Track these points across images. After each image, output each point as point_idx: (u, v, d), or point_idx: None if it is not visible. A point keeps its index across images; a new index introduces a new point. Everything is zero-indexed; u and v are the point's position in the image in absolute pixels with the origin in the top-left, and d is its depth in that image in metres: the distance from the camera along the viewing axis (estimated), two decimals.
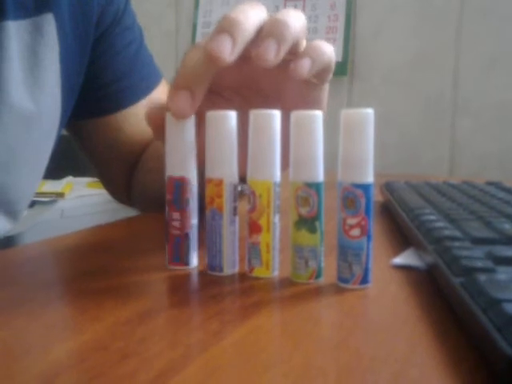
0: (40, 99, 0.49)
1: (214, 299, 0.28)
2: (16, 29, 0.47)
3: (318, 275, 0.31)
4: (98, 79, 0.57)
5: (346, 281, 0.30)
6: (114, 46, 0.57)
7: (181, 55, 1.33)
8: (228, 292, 0.29)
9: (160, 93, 0.62)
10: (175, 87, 0.32)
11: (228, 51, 0.30)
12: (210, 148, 0.32)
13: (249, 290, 0.30)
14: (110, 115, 0.59)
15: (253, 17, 0.33)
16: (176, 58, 1.47)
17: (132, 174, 0.62)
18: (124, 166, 0.62)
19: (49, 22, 0.49)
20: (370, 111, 0.29)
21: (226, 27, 0.31)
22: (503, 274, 0.24)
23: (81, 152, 0.64)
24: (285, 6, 1.35)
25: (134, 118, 0.60)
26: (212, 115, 0.32)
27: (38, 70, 0.49)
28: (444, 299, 0.27)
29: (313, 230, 0.31)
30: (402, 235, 0.42)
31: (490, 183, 0.58)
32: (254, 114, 0.31)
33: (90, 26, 0.54)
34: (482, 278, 0.24)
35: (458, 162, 1.22)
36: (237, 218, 0.32)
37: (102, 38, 0.56)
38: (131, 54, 0.59)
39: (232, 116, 0.32)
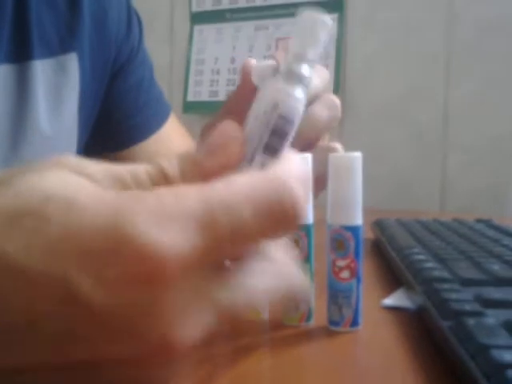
0: (59, 132, 0.50)
1: (202, 343, 0.27)
2: (41, 67, 0.48)
3: (309, 318, 0.31)
4: (111, 115, 0.58)
5: (336, 324, 0.30)
6: (128, 83, 0.59)
7: (175, 91, 1.33)
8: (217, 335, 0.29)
9: (170, 127, 0.63)
10: None
11: None
12: None
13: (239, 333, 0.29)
14: (120, 152, 0.60)
15: None
16: (170, 92, 1.49)
17: None
18: None
19: (72, 61, 0.51)
20: (357, 155, 0.29)
21: None
22: (491, 317, 0.25)
23: None
24: (277, 45, 1.38)
25: (143, 155, 0.61)
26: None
27: (59, 105, 0.50)
28: (434, 342, 0.27)
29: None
30: (392, 274, 0.42)
31: (479, 220, 0.59)
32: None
33: (108, 63, 0.56)
34: (471, 322, 0.24)
35: (449, 196, 1.23)
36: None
37: (117, 75, 0.57)
38: (144, 90, 0.60)
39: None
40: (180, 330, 0.18)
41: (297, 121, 0.22)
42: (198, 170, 0.21)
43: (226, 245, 0.18)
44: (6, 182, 0.19)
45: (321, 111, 0.38)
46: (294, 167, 0.20)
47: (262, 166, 0.21)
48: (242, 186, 0.19)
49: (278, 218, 0.19)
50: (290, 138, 0.22)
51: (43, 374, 0.18)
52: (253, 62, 0.37)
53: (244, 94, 0.36)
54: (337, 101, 0.39)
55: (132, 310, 0.17)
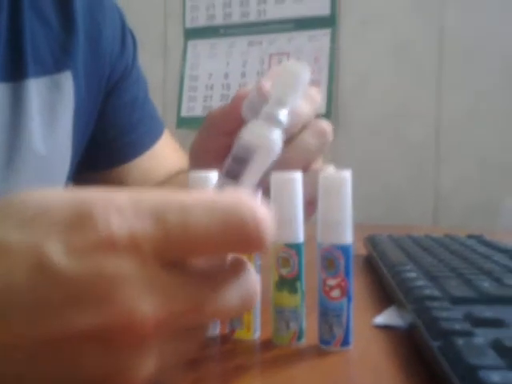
0: (53, 149, 0.50)
1: (193, 364, 0.27)
2: (36, 86, 0.49)
3: (300, 337, 0.31)
4: (107, 132, 0.59)
5: (327, 343, 0.30)
6: (122, 101, 0.59)
7: (168, 106, 1.35)
8: (208, 356, 0.29)
9: (163, 144, 0.63)
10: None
11: None
12: None
13: (230, 354, 0.29)
14: (114, 169, 0.60)
15: None
16: (164, 108, 1.49)
17: None
18: None
19: (67, 80, 0.51)
20: (347, 174, 0.29)
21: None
22: (481, 337, 0.25)
23: None
24: (270, 60, 1.39)
25: (137, 171, 0.61)
26: (193, 176, 0.32)
27: (54, 122, 0.50)
28: (425, 362, 0.27)
29: (294, 291, 0.31)
30: (384, 291, 0.42)
31: (471, 236, 0.59)
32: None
33: (102, 82, 0.56)
34: (460, 342, 0.24)
35: (441, 212, 1.24)
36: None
37: (111, 93, 0.58)
38: (138, 108, 0.61)
39: (213, 177, 0.32)
40: (145, 307, 0.19)
41: (263, 153, 0.25)
42: None
43: (174, 238, 0.19)
44: None
45: (310, 138, 0.38)
46: (255, 200, 0.21)
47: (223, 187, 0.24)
48: (202, 195, 0.20)
49: (236, 233, 0.20)
50: (255, 167, 0.25)
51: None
52: (246, 92, 0.38)
53: (230, 120, 0.39)
54: (327, 127, 0.39)
55: (99, 277, 0.18)
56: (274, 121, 0.25)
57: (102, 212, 0.19)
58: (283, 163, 0.38)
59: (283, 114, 0.25)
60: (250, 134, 0.25)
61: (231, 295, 0.21)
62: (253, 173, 0.24)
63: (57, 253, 0.18)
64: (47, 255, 0.18)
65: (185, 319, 0.20)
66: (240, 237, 0.20)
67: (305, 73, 0.26)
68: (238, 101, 0.38)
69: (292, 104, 0.26)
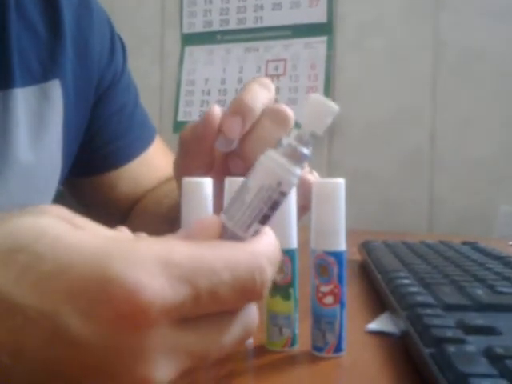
0: (42, 158, 0.50)
1: None
2: (23, 95, 0.48)
3: (293, 343, 0.31)
4: (95, 139, 0.58)
5: (319, 349, 0.30)
6: (111, 107, 0.59)
7: (165, 111, 1.35)
8: None
9: (154, 150, 0.63)
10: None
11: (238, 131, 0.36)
12: (185, 215, 0.32)
13: (223, 359, 0.29)
14: (105, 174, 0.60)
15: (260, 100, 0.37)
16: (160, 113, 1.49)
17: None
18: (112, 221, 0.62)
19: (55, 88, 0.51)
20: (340, 181, 0.29)
21: (238, 110, 0.36)
22: (472, 344, 0.25)
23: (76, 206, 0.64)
24: (266, 67, 1.39)
25: (128, 176, 0.61)
26: (187, 182, 0.32)
27: (42, 131, 0.50)
28: (417, 369, 0.27)
29: (287, 297, 0.31)
30: (377, 298, 0.42)
31: (465, 243, 0.59)
32: None
33: (91, 89, 0.56)
34: (451, 349, 0.24)
35: (436, 217, 1.24)
36: None
37: (100, 100, 0.57)
38: (127, 115, 0.61)
39: (207, 183, 0.32)
40: (158, 374, 0.18)
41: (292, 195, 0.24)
42: None
43: (202, 303, 0.19)
44: (2, 222, 0.19)
45: (270, 127, 0.37)
46: (271, 246, 0.22)
47: (255, 232, 0.23)
48: (227, 256, 0.20)
49: (247, 293, 0.20)
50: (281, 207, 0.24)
51: None
52: (217, 110, 0.37)
53: (202, 144, 0.38)
54: (288, 111, 0.37)
55: (116, 349, 0.17)
56: (298, 157, 0.23)
57: (130, 280, 0.17)
58: (243, 157, 0.37)
59: (307, 150, 0.24)
60: (290, 179, 0.23)
61: (236, 332, 0.21)
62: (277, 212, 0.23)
63: (76, 321, 0.17)
64: (65, 323, 0.17)
65: (197, 368, 0.20)
66: (250, 296, 0.21)
67: (332, 105, 0.25)
68: (208, 124, 0.37)
69: (318, 135, 0.24)
